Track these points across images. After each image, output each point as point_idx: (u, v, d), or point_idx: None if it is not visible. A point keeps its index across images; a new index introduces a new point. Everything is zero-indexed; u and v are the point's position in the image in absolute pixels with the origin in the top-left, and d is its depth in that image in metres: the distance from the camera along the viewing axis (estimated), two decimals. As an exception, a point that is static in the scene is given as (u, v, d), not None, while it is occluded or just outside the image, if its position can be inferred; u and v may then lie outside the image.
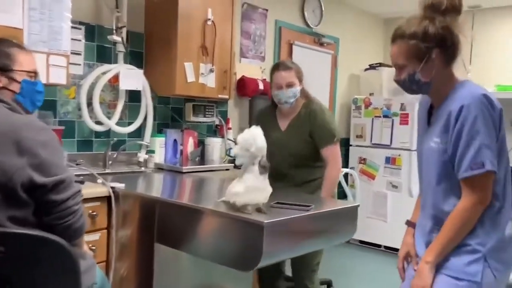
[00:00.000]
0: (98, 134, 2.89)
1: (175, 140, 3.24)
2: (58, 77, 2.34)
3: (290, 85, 2.49)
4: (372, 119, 4.71)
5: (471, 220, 1.47)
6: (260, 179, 1.67)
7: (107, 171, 2.81)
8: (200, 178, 2.80)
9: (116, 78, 2.83)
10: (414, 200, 4.68)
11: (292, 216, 1.71)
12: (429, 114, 1.64)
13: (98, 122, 2.81)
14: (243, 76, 3.70)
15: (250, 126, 1.73)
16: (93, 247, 2.14)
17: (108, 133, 2.92)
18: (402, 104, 4.51)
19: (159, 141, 3.09)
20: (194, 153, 3.31)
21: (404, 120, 4.50)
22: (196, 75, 3.03)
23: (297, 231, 1.78)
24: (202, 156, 3.39)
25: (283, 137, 2.54)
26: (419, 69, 1.49)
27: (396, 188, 4.56)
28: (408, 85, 1.55)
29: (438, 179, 1.53)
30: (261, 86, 3.73)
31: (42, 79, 2.25)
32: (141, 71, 2.92)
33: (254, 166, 1.67)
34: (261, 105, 3.58)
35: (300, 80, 2.55)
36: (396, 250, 4.45)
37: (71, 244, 1.47)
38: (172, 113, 3.29)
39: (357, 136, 4.83)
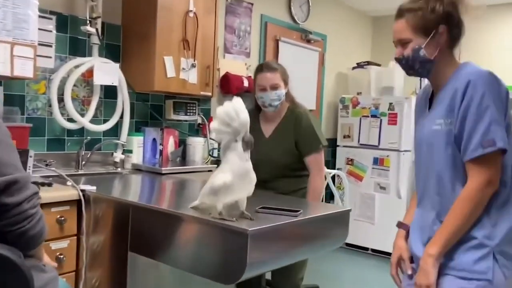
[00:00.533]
0: (70, 133, 2.69)
1: (154, 140, 3.06)
2: (24, 69, 2.13)
3: (274, 87, 2.34)
4: (360, 118, 4.60)
5: (480, 204, 1.34)
6: (244, 158, 1.50)
7: (80, 172, 2.63)
8: (181, 180, 2.62)
9: (90, 72, 2.65)
10: (403, 202, 4.60)
11: (280, 223, 1.55)
12: (430, 102, 1.54)
13: (71, 120, 2.62)
14: (227, 72, 3.53)
15: None
16: (61, 256, 1.96)
17: (81, 131, 2.72)
18: (390, 103, 4.41)
19: (137, 140, 2.91)
20: (174, 153, 3.13)
21: (393, 120, 4.40)
22: (177, 70, 2.85)
23: (285, 239, 1.61)
24: (183, 157, 3.22)
25: (268, 146, 2.38)
26: (424, 44, 1.43)
27: (384, 189, 4.46)
28: (411, 62, 1.47)
29: (444, 165, 1.41)
30: (245, 84, 3.56)
31: (5, 71, 2.08)
32: (117, 65, 2.73)
33: (237, 143, 1.49)
34: (245, 103, 3.41)
35: (286, 83, 2.41)
36: (384, 253, 4.43)
37: (27, 254, 1.30)
38: (151, 110, 3.10)
39: (344, 136, 4.71)
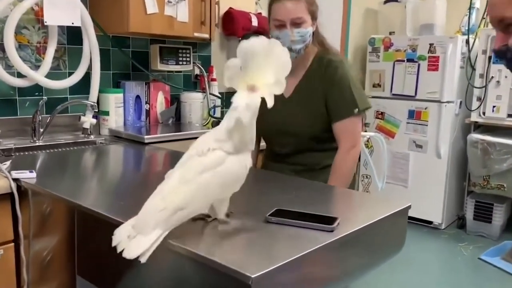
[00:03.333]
0: (25, 91, 2.05)
1: (138, 97, 2.41)
2: None
3: (297, 23, 1.64)
4: (393, 64, 3.87)
5: None
6: None
7: (38, 143, 2.02)
8: (171, 154, 1.97)
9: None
10: (443, 162, 3.92)
11: (306, 252, 0.91)
12: None
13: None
14: (230, 8, 2.79)
15: None
16: (-9, 273, 1.38)
17: (40, 89, 2.09)
18: (431, 45, 3.68)
19: (115, 98, 2.27)
20: (165, 113, 2.49)
21: (433, 65, 3.69)
22: (160, 4, 2.14)
23: (314, 271, 0.98)
24: (177, 117, 2.57)
25: (288, 109, 1.69)
26: None
27: (421, 148, 3.82)
28: None
29: None
30: (254, 22, 2.84)
31: None
32: (78, -2, 2.03)
33: None
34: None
35: (314, 18, 1.69)
36: (420, 220, 3.83)
37: None
38: (132, 59, 2.41)
39: (373, 86, 4.00)
